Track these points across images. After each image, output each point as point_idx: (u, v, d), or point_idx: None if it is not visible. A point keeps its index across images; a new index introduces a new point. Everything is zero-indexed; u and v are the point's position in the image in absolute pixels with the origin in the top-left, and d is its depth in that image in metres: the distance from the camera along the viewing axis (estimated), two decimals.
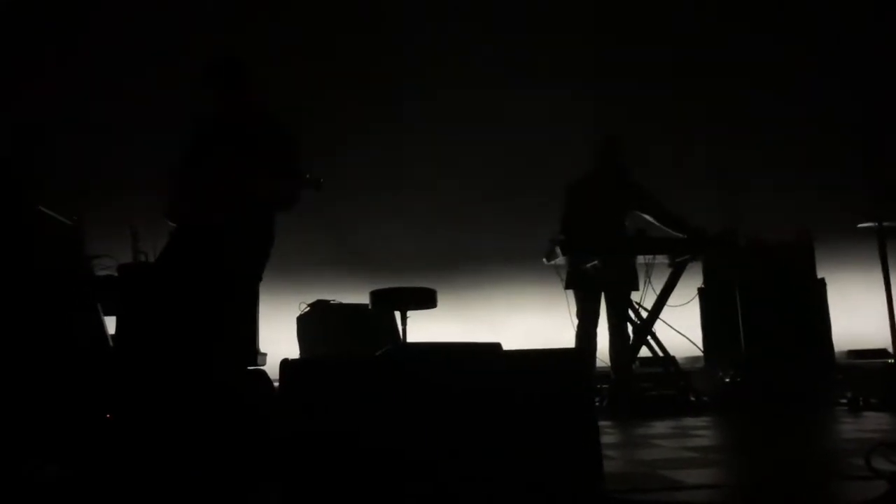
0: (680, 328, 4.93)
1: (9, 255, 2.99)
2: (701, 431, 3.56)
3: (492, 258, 6.58)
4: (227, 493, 2.24)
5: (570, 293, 4.95)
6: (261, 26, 6.59)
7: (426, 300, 4.80)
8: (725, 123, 6.77)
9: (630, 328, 4.82)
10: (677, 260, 4.90)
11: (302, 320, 5.43)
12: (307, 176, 3.35)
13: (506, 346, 1.95)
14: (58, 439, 2.66)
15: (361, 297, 5.09)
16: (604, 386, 4.79)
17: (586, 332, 4.80)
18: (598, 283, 4.80)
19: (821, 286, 5.05)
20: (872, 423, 3.66)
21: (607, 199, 4.92)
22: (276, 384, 2.01)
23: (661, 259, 4.93)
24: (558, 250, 4.81)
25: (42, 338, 2.92)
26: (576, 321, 4.89)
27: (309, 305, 5.45)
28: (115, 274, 3.82)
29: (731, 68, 6.79)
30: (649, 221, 4.96)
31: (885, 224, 4.82)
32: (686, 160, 6.59)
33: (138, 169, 3.85)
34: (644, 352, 4.86)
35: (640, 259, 4.89)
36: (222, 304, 3.09)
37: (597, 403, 4.54)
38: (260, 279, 3.52)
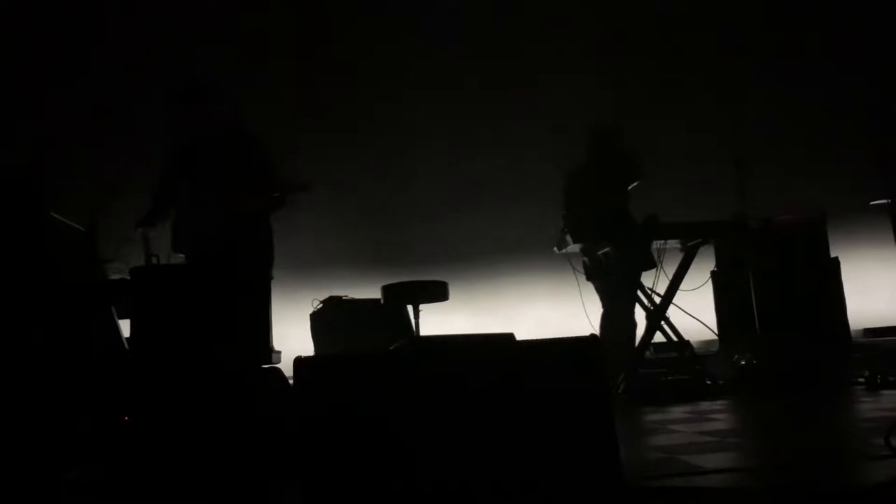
0: (694, 312, 4.91)
1: (24, 261, 3.01)
2: (718, 415, 3.55)
3: (502, 249, 6.57)
4: (245, 490, 2.26)
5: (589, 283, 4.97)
6: (265, 27, 6.59)
7: (438, 293, 4.80)
8: (735, 105, 6.72)
9: (644, 313, 4.81)
10: (689, 244, 4.88)
11: (315, 317, 5.45)
12: (292, 183, 3.57)
13: (518, 337, 1.95)
14: (78, 443, 2.68)
15: (374, 292, 5.10)
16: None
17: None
18: (614, 269, 4.79)
19: (834, 265, 5.02)
20: (891, 401, 3.64)
21: (606, 186, 4.89)
22: (291, 381, 2.02)
23: (673, 244, 4.91)
24: (569, 239, 4.80)
25: (58, 342, 2.94)
26: (599, 311, 4.91)
27: (322, 302, 5.47)
28: (128, 277, 3.84)
29: (740, 50, 6.75)
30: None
31: None
32: (696, 143, 6.55)
33: (149, 172, 3.91)
34: (658, 337, 4.84)
35: (653, 244, 4.87)
36: (236, 305, 3.14)
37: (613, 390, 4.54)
38: (271, 277, 3.60)
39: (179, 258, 3.65)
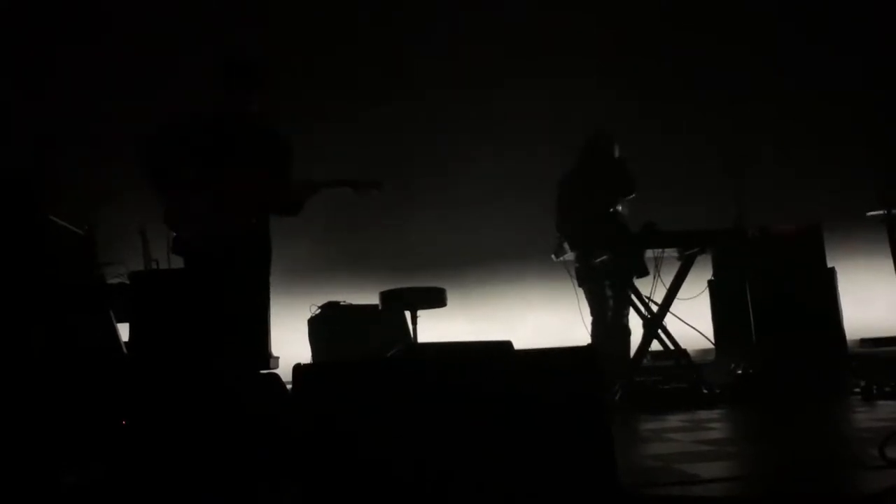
0: (691, 321, 4.91)
1: (23, 265, 3.02)
2: (714, 424, 3.55)
3: (501, 256, 6.58)
4: (243, 495, 2.26)
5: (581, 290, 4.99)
6: (263, 27, 6.60)
7: (436, 299, 4.80)
8: (732, 113, 6.74)
9: (640, 321, 4.82)
10: (686, 253, 4.89)
11: (313, 322, 5.46)
12: (365, 182, 3.50)
13: (516, 344, 1.96)
14: (75, 445, 2.68)
15: (371, 298, 5.10)
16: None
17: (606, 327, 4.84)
18: (609, 276, 4.80)
19: (831, 275, 5.03)
20: (886, 411, 3.65)
21: (600, 194, 4.91)
22: (289, 387, 2.02)
23: (671, 252, 4.92)
24: (566, 246, 4.81)
25: (55, 345, 2.94)
26: (590, 318, 4.92)
27: (320, 307, 5.47)
28: (127, 281, 3.84)
29: (737, 59, 6.77)
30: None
31: (894, 212, 4.80)
32: (693, 151, 6.56)
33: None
34: (655, 345, 4.85)
35: (649, 253, 4.88)
36: (234, 309, 3.12)
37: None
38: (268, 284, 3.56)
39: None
